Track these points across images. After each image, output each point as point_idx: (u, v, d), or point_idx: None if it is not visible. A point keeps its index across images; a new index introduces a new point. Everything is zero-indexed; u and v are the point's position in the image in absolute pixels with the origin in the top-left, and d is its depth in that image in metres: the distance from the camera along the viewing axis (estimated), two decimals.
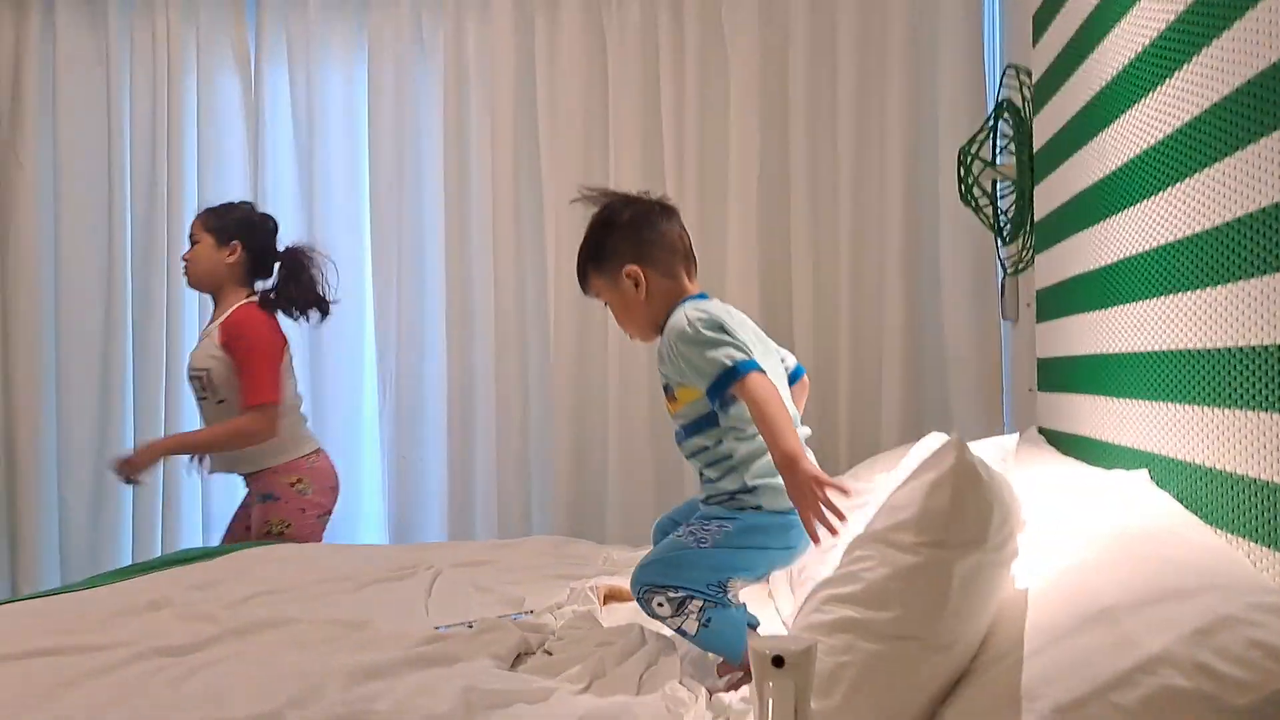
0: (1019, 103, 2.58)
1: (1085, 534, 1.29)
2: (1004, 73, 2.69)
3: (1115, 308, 1.75)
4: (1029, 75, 2.51)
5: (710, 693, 1.54)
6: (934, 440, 2.04)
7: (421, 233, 3.39)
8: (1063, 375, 2.15)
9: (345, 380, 3.41)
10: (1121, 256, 1.72)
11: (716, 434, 1.75)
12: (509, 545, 2.76)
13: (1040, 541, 1.31)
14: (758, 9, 3.16)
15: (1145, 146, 1.60)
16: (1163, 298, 1.52)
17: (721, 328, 1.70)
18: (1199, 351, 1.38)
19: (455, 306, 3.33)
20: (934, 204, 3.09)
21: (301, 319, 2.88)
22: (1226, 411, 1.29)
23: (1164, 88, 1.51)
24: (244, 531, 2.85)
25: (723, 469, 1.74)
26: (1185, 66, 1.42)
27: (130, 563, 3.14)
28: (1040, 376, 2.39)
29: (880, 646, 1.16)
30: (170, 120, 3.38)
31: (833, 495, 1.51)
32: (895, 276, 3.06)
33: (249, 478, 2.80)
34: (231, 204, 2.90)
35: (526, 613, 2.05)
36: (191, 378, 2.77)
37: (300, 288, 2.85)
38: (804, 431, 1.81)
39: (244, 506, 2.88)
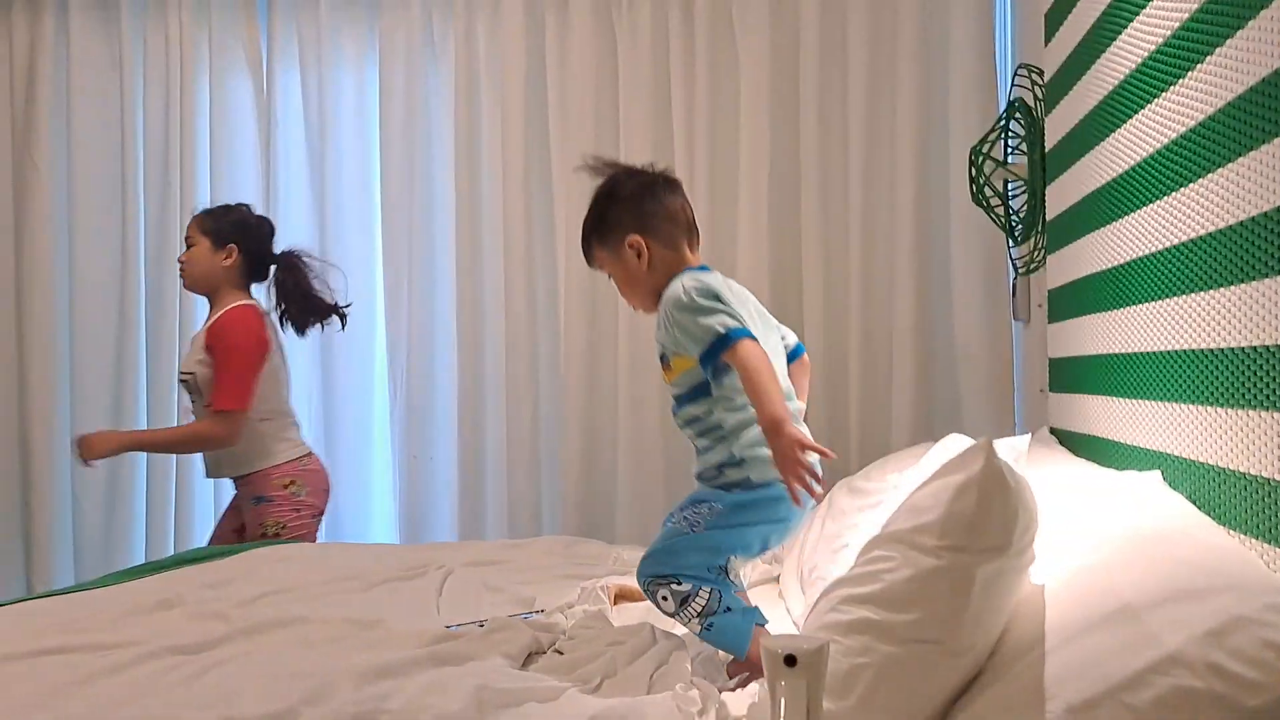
0: (1031, 102, 2.57)
1: (1098, 535, 1.28)
2: (1015, 72, 2.69)
3: (1128, 308, 1.74)
4: (1040, 74, 2.50)
5: (720, 691, 1.54)
6: (955, 442, 2.04)
7: (432, 233, 3.40)
8: (1075, 376, 2.14)
9: (356, 380, 3.42)
10: (1134, 256, 1.71)
11: (708, 404, 1.76)
12: (519, 545, 2.77)
13: (1053, 542, 1.31)
14: (768, 9, 3.15)
15: (1158, 146, 1.59)
16: (1176, 298, 1.51)
17: (717, 296, 1.73)
18: (1212, 351, 1.37)
19: (466, 306, 3.34)
20: (945, 204, 3.09)
21: (314, 326, 2.89)
22: (1240, 412, 1.28)
23: (1176, 87, 1.51)
24: (231, 534, 2.84)
25: (713, 439, 1.77)
26: (1198, 66, 1.42)
27: (142, 562, 3.15)
28: (1052, 377, 2.39)
29: (898, 649, 1.15)
30: (183, 122, 3.39)
31: (815, 460, 1.54)
32: (906, 276, 3.06)
33: (239, 481, 2.79)
34: (228, 206, 2.90)
35: (537, 612, 2.06)
36: (181, 380, 2.78)
37: (297, 291, 2.85)
38: (799, 406, 1.83)
39: (232, 509, 2.87)
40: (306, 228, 3.42)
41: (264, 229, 2.89)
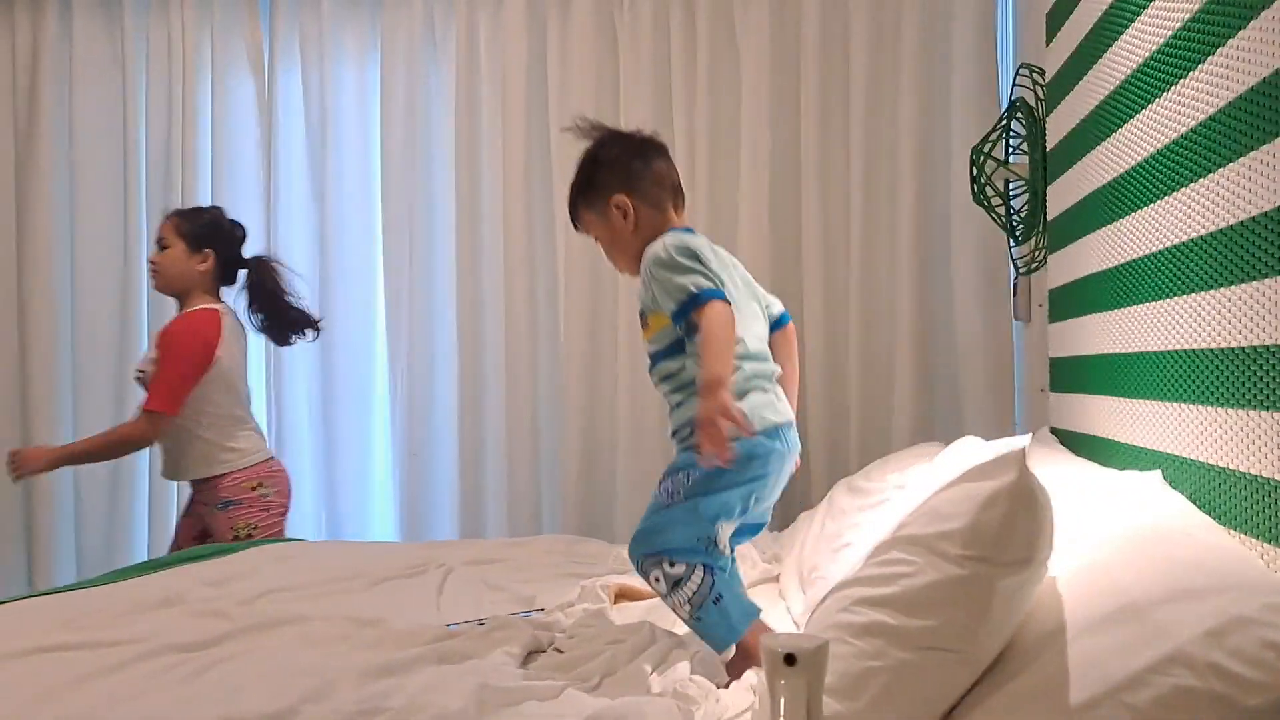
0: (1032, 102, 2.57)
1: (1098, 535, 1.28)
2: (1017, 72, 2.69)
3: (1129, 308, 1.74)
4: (1042, 74, 2.50)
5: (719, 688, 1.55)
6: (968, 445, 2.03)
7: (433, 231, 3.40)
8: (1075, 375, 2.14)
9: (356, 378, 3.42)
10: (1135, 256, 1.71)
11: (682, 359, 1.79)
12: (520, 543, 2.77)
13: (1054, 542, 1.31)
14: (769, 8, 3.15)
15: (1159, 146, 1.59)
16: (1177, 298, 1.51)
17: (695, 256, 1.75)
18: (1213, 351, 1.37)
19: (466, 304, 3.34)
20: (946, 203, 3.09)
21: (295, 337, 2.89)
22: (1241, 412, 1.28)
23: (1178, 87, 1.51)
24: (192, 539, 2.80)
25: (686, 394, 1.79)
26: (1199, 66, 1.42)
27: (144, 560, 3.15)
28: (1053, 376, 2.39)
29: (911, 655, 1.14)
30: (184, 120, 3.39)
31: (732, 431, 1.57)
32: (907, 276, 3.06)
33: (200, 485, 2.76)
34: (202, 209, 2.88)
35: (537, 611, 2.06)
36: (136, 379, 2.76)
37: (271, 298, 2.83)
38: (775, 370, 1.86)
39: (192, 514, 2.82)
40: (307, 226, 3.42)
41: (238, 233, 2.87)
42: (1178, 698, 0.94)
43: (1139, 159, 1.69)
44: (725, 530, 1.74)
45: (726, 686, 1.58)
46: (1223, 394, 1.34)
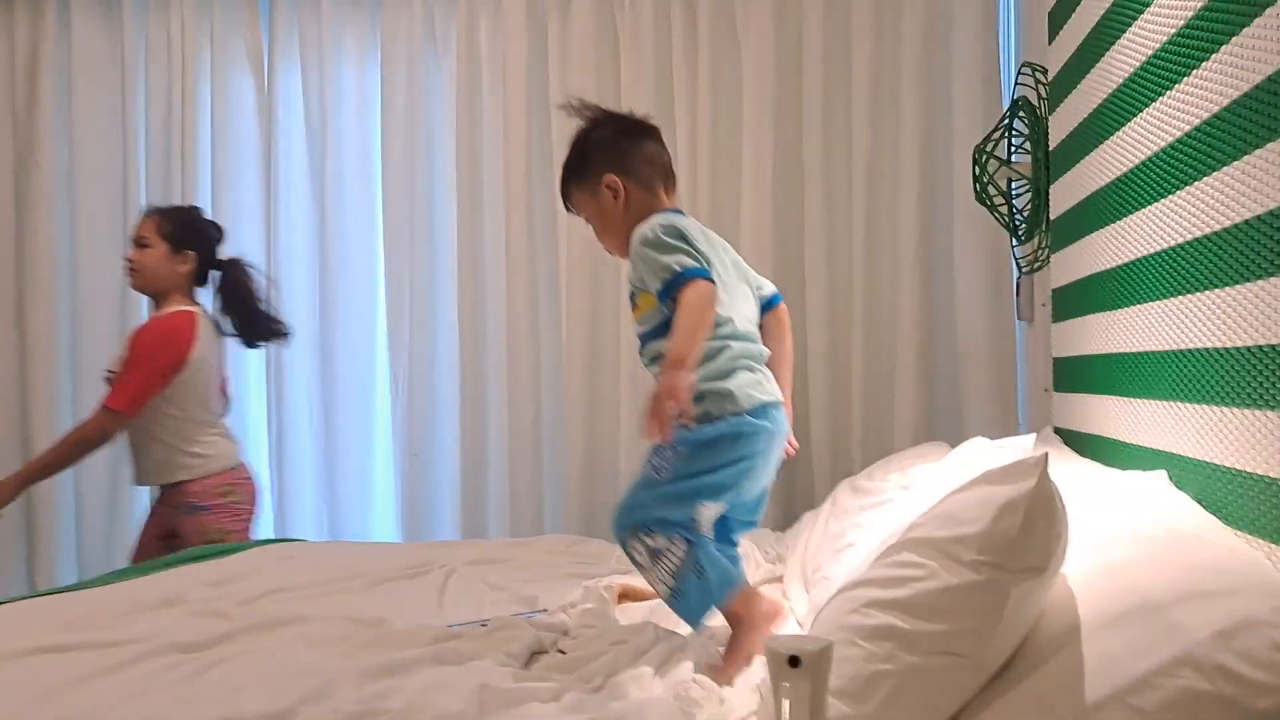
0: (1034, 100, 2.56)
1: (1103, 536, 1.27)
2: (1019, 70, 2.68)
3: (1133, 307, 1.74)
4: (1044, 73, 2.49)
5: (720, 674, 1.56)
6: (978, 445, 2.03)
7: (434, 231, 3.39)
8: (1079, 375, 2.14)
9: (357, 378, 3.42)
10: (1139, 255, 1.70)
11: (669, 339, 1.77)
12: (522, 544, 2.76)
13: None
14: (771, 6, 3.15)
15: (1163, 144, 1.58)
16: (1181, 297, 1.50)
17: (682, 236, 1.78)
18: (1218, 351, 1.36)
19: (467, 304, 3.33)
20: (948, 203, 3.08)
21: (265, 342, 2.87)
22: (1247, 412, 1.27)
23: (1181, 85, 1.50)
24: (157, 542, 2.73)
25: None
26: (1203, 64, 1.41)
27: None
28: (1056, 376, 2.38)
29: (921, 660, 1.13)
30: (184, 119, 3.39)
31: (672, 414, 1.60)
32: (909, 276, 3.05)
33: (167, 489, 2.73)
34: (182, 208, 2.86)
35: (540, 611, 2.05)
36: (105, 379, 2.73)
37: (244, 302, 2.81)
38: (764, 351, 1.88)
39: (154, 517, 2.77)
40: (308, 226, 3.42)
41: (217, 235, 2.85)
42: (1186, 700, 0.93)
43: (1142, 158, 1.68)
44: (709, 510, 1.74)
45: (729, 680, 1.57)
46: (1227, 393, 1.33)
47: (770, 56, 3.15)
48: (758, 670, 1.59)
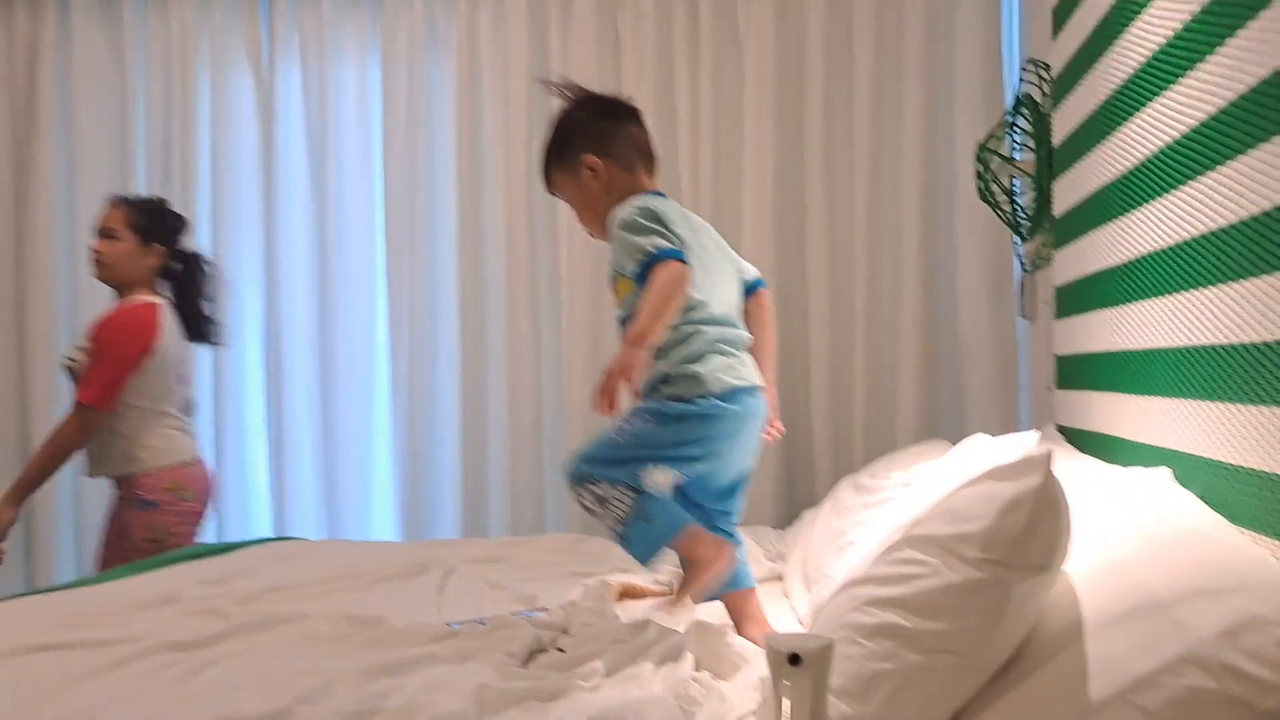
0: (1038, 98, 2.55)
1: (1109, 533, 1.26)
2: (1022, 67, 2.67)
3: (1136, 303, 1.73)
4: (1047, 69, 2.48)
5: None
6: (979, 442, 2.02)
7: (435, 230, 3.38)
8: (1082, 372, 2.13)
9: (358, 376, 3.41)
10: (1143, 252, 1.69)
11: None
12: (522, 542, 2.75)
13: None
14: (773, 6, 3.14)
15: (1167, 141, 1.57)
16: (1185, 293, 1.50)
17: (658, 219, 1.78)
18: (1223, 347, 1.35)
19: (468, 302, 3.32)
20: (951, 200, 3.07)
21: (201, 341, 2.85)
22: (1252, 408, 1.26)
23: (1185, 81, 1.49)
24: (116, 538, 2.70)
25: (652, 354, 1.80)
26: (1206, 60, 1.40)
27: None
28: (1059, 374, 2.37)
29: (923, 658, 1.12)
30: (184, 118, 3.38)
31: (623, 391, 1.62)
32: (912, 274, 3.04)
33: (120, 480, 2.69)
34: (149, 199, 2.83)
35: (540, 610, 2.04)
36: (64, 367, 2.70)
37: (188, 296, 2.80)
38: (746, 338, 1.88)
39: (113, 516, 2.73)
40: (307, 224, 3.41)
41: (183, 228, 2.83)
42: (1191, 699, 0.92)
43: (1146, 154, 1.67)
44: (659, 476, 1.77)
45: (675, 602, 1.71)
46: (1232, 390, 1.32)
47: (772, 54, 3.14)
48: (758, 667, 1.58)
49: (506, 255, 3.30)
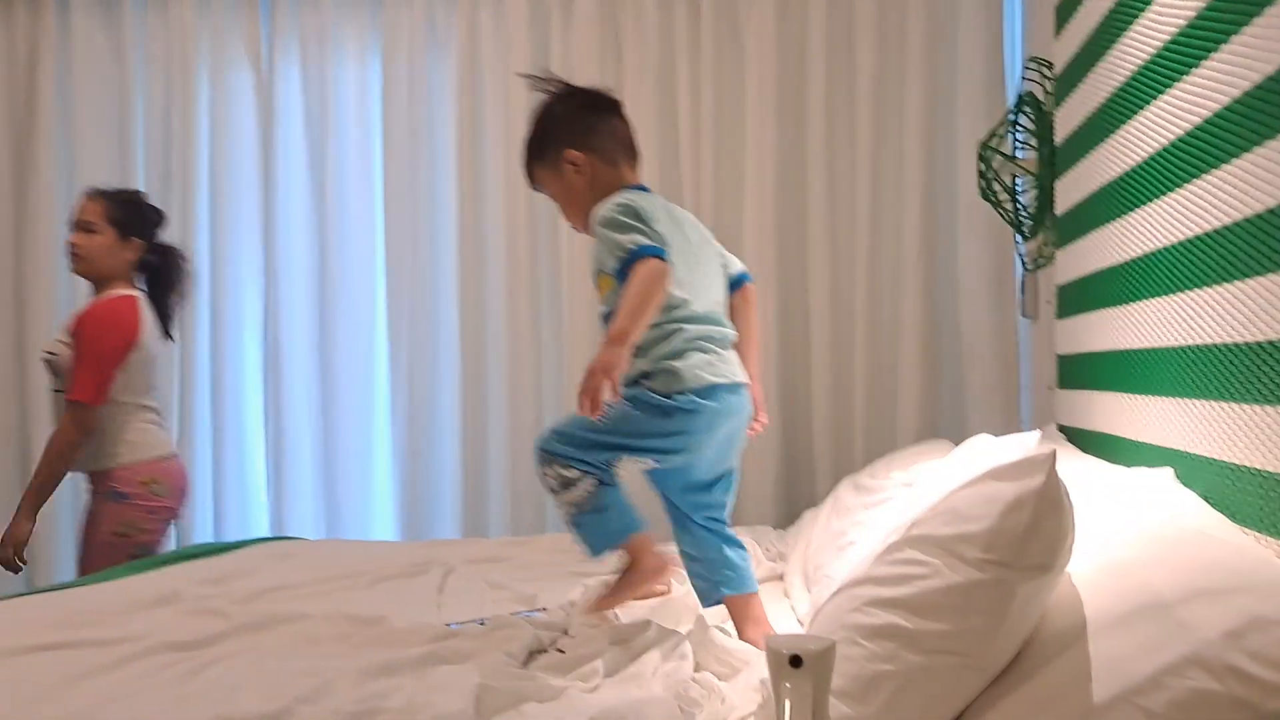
0: (1040, 96, 2.54)
1: (1112, 533, 1.26)
2: (1025, 65, 2.66)
3: (1138, 302, 1.72)
4: (1050, 67, 2.47)
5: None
6: (982, 442, 2.01)
7: (435, 229, 3.37)
8: (1084, 372, 2.12)
9: (357, 375, 3.40)
10: (1145, 251, 1.68)
11: None
12: (522, 542, 2.75)
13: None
14: (774, 4, 3.12)
15: (1170, 139, 1.57)
16: (1188, 292, 1.49)
17: (639, 216, 1.77)
18: (1225, 346, 1.35)
19: (469, 302, 3.31)
20: (953, 199, 3.06)
21: (168, 334, 2.84)
22: (1254, 408, 1.26)
23: (1189, 79, 1.48)
24: (90, 533, 2.66)
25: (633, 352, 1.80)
26: (1211, 57, 1.40)
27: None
28: (1060, 373, 2.36)
29: (924, 659, 1.11)
30: (184, 117, 3.37)
31: (605, 391, 1.60)
32: (913, 273, 3.04)
33: (96, 475, 2.67)
34: (127, 192, 2.80)
35: (539, 610, 2.03)
36: (44, 360, 2.68)
37: (158, 286, 2.78)
38: (730, 334, 1.87)
39: (89, 513, 2.69)
40: (307, 222, 3.40)
41: (160, 222, 2.82)
42: (1195, 701, 0.91)
43: (1149, 153, 1.66)
44: (631, 464, 1.80)
45: (599, 606, 1.76)
46: (1235, 389, 1.31)
47: (773, 52, 3.13)
48: (758, 668, 1.58)
49: (507, 254, 3.29)
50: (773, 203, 3.12)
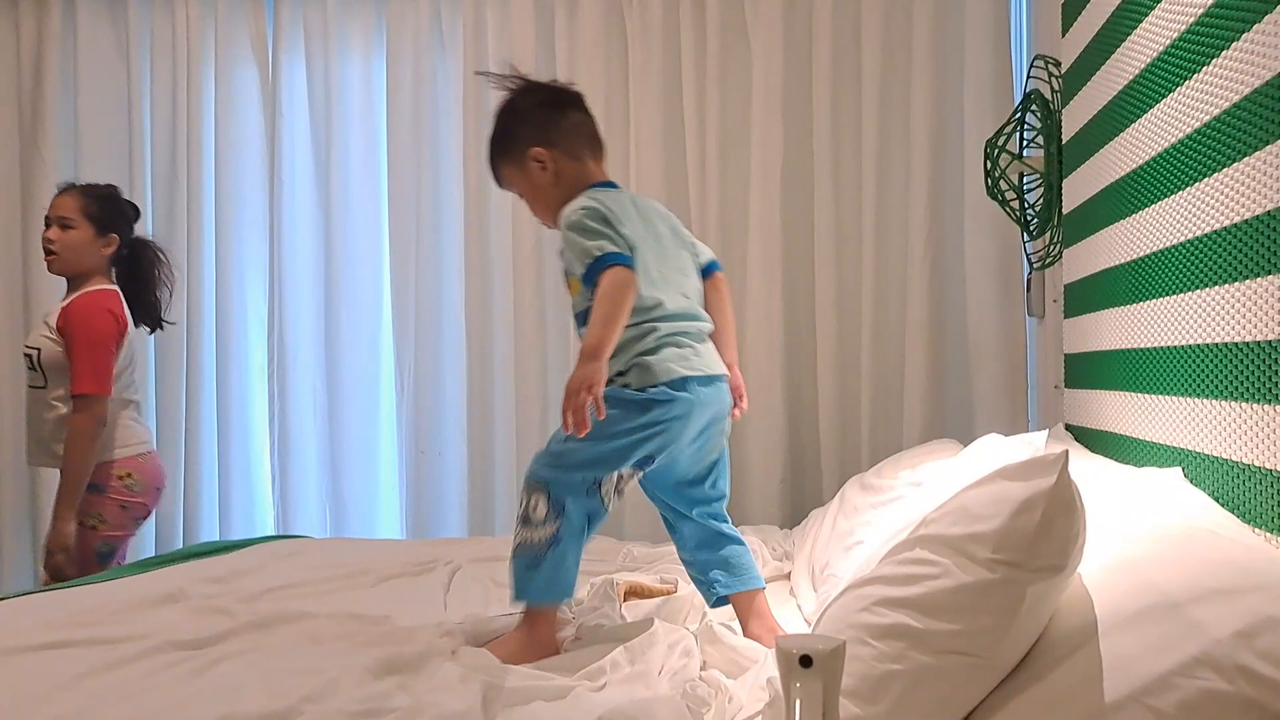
0: (1047, 94, 2.54)
1: (1121, 532, 1.25)
2: (1032, 63, 2.65)
3: (1146, 302, 1.71)
4: (1058, 65, 2.47)
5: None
6: (992, 442, 2.01)
7: (440, 225, 3.37)
8: (1091, 371, 2.11)
9: (363, 374, 3.40)
10: (1153, 250, 1.68)
11: None
12: None
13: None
14: (781, 2, 3.12)
15: (1178, 138, 1.56)
16: (1196, 291, 1.48)
17: (605, 220, 1.77)
18: (1234, 345, 1.34)
19: (474, 299, 3.31)
20: (959, 197, 3.06)
21: (143, 327, 2.82)
22: (1264, 407, 1.25)
23: (1197, 78, 1.48)
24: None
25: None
26: (1220, 56, 1.39)
27: (150, 555, 3.14)
28: (1067, 372, 2.36)
29: (934, 660, 1.10)
30: (189, 112, 3.38)
31: (589, 407, 1.61)
32: (919, 272, 3.03)
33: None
34: (102, 187, 2.79)
35: None
36: (25, 355, 2.67)
37: (136, 280, 2.78)
38: (705, 327, 1.88)
39: None
40: (312, 219, 3.41)
41: (135, 215, 2.81)
42: (1205, 701, 0.91)
43: (1157, 151, 1.66)
44: (615, 478, 1.78)
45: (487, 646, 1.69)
46: (1244, 389, 1.31)
47: (779, 51, 3.12)
48: (766, 667, 1.57)
49: (512, 251, 3.28)
50: (778, 201, 3.12)
